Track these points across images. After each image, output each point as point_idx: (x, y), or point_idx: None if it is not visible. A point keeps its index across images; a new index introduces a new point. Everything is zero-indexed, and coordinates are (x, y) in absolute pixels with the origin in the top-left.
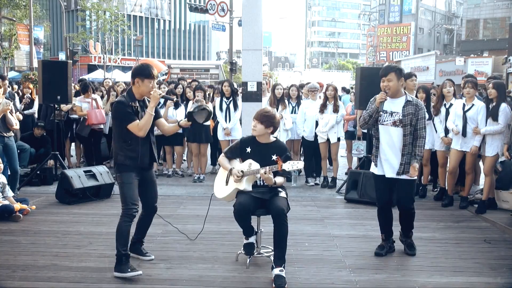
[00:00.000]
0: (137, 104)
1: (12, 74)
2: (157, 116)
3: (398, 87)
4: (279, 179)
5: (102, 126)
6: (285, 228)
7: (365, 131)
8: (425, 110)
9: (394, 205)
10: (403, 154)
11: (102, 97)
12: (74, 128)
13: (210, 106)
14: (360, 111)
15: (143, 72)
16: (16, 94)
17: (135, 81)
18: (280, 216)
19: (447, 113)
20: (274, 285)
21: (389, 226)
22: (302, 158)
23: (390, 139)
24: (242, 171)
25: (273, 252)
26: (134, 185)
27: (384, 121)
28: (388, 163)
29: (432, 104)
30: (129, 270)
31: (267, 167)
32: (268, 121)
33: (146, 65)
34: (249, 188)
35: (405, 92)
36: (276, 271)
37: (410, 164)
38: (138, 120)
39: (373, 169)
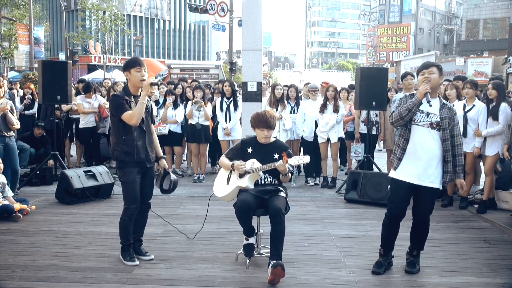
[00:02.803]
0: (132, 100)
1: (12, 74)
2: (151, 120)
3: (438, 84)
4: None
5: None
6: (281, 227)
7: (364, 132)
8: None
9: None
10: (447, 161)
11: (102, 97)
12: (74, 128)
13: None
14: (357, 112)
15: (129, 64)
16: (16, 94)
17: (126, 76)
18: (277, 215)
19: None
20: (272, 268)
21: (392, 242)
22: None
23: (426, 142)
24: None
25: None
26: (135, 183)
27: (420, 121)
28: (417, 168)
29: None
30: (128, 258)
31: (280, 160)
32: (274, 123)
33: (132, 57)
34: (251, 186)
35: (438, 95)
36: (273, 261)
37: (454, 172)
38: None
39: (393, 173)
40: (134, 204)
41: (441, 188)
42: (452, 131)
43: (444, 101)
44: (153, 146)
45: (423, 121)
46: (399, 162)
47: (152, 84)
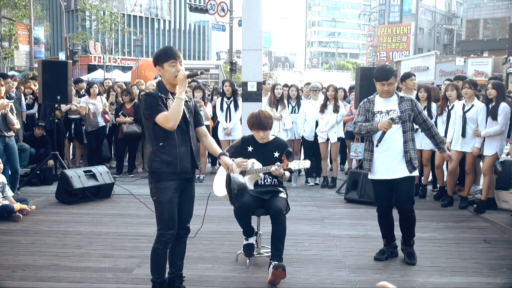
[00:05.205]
0: (170, 97)
1: (12, 74)
2: (198, 123)
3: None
4: (286, 173)
5: (103, 123)
6: (283, 228)
7: None
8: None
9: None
10: (406, 151)
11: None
12: (73, 128)
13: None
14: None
15: (160, 57)
16: (22, 95)
17: (159, 72)
18: (278, 215)
19: (449, 115)
20: (273, 269)
21: (390, 231)
22: (302, 158)
23: (389, 138)
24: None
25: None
26: (173, 204)
27: (381, 121)
28: (385, 165)
29: (433, 104)
30: None
31: (276, 164)
32: (270, 123)
33: (163, 48)
34: (251, 187)
35: (395, 91)
36: (274, 262)
37: (414, 160)
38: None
39: (370, 175)
40: (171, 230)
41: (412, 174)
42: (420, 118)
43: (401, 94)
44: (200, 155)
45: (384, 119)
46: (370, 163)
47: (189, 77)
